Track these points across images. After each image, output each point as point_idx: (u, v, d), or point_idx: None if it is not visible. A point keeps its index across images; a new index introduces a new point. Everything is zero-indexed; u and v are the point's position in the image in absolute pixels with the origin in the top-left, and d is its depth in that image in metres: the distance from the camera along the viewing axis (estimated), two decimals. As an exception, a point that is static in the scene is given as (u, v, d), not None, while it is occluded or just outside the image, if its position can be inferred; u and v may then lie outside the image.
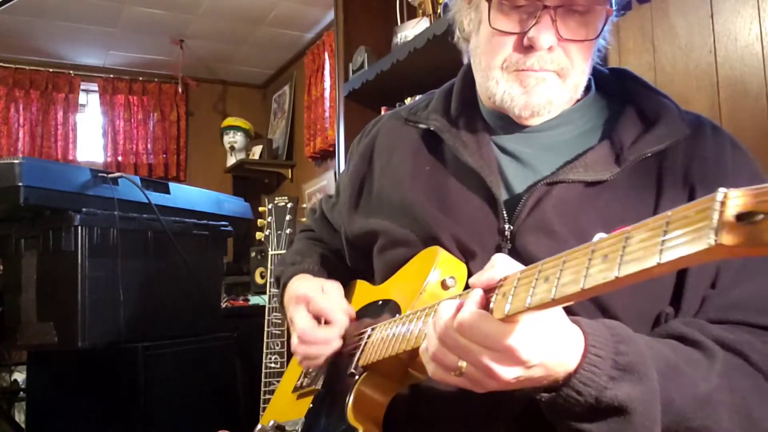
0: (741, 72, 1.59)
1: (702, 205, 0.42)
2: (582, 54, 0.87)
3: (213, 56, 4.57)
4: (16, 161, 1.83)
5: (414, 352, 0.74)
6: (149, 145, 4.74)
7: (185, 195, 2.40)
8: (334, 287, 1.02)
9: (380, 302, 0.96)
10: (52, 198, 1.90)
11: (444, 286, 0.84)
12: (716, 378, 0.72)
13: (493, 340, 0.61)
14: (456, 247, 0.88)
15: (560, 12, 0.84)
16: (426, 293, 0.85)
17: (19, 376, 2.97)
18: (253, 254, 3.39)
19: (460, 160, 0.92)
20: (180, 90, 4.69)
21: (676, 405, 0.69)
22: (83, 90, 4.68)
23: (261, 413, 1.82)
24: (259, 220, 1.93)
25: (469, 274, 0.85)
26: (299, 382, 1.07)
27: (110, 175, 2.08)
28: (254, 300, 3.22)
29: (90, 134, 4.72)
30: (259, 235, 1.92)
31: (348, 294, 1.07)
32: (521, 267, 0.63)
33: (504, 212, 0.86)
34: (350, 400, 0.85)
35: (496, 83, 0.88)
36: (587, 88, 0.94)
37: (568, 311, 0.67)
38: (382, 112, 2.41)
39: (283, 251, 1.86)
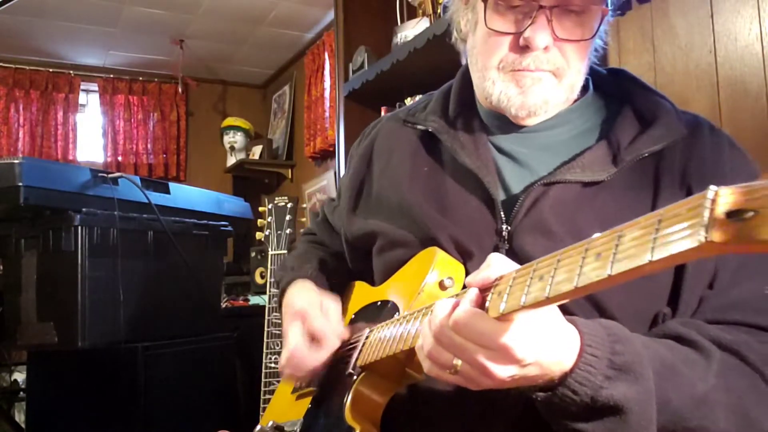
0: (741, 72, 1.59)
1: (693, 203, 0.43)
2: (578, 54, 0.87)
3: (213, 56, 4.58)
4: (16, 161, 1.83)
5: (411, 352, 0.74)
6: (149, 145, 4.74)
7: (185, 195, 2.40)
8: (332, 306, 1.01)
9: (379, 303, 0.96)
10: (52, 198, 1.90)
11: (442, 286, 0.85)
12: (713, 378, 0.72)
13: (488, 339, 0.61)
14: (454, 248, 0.88)
15: (556, 12, 0.84)
16: (424, 294, 0.85)
17: (19, 376, 2.97)
18: (253, 254, 3.39)
19: (457, 161, 0.92)
20: (180, 90, 4.69)
21: (672, 405, 0.69)
22: (83, 90, 4.69)
23: (261, 413, 1.82)
24: (259, 220, 1.93)
25: (467, 275, 0.85)
26: (299, 383, 1.07)
27: (110, 175, 2.08)
28: (254, 300, 3.22)
29: (90, 134, 4.72)
30: (259, 235, 1.92)
31: (347, 295, 1.08)
32: (517, 266, 0.64)
33: (501, 213, 0.87)
34: (348, 399, 0.85)
35: (493, 83, 0.88)
36: (585, 88, 0.94)
37: (565, 311, 0.67)
38: (382, 112, 2.42)
39: (284, 251, 1.86)
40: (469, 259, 0.87)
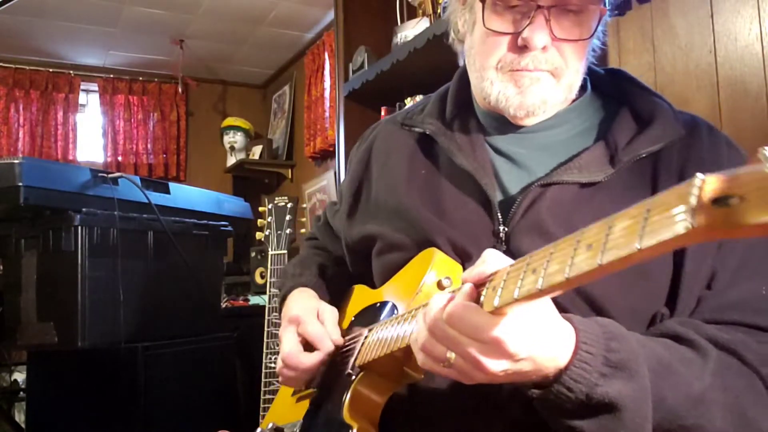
0: (741, 72, 1.59)
1: (681, 191, 0.43)
2: (576, 54, 0.87)
3: (213, 56, 4.58)
4: (16, 161, 1.84)
5: (409, 351, 0.74)
6: (149, 145, 4.74)
7: (185, 195, 2.40)
8: (329, 311, 1.01)
9: (378, 305, 0.97)
10: (52, 198, 1.91)
11: (440, 286, 0.85)
12: (709, 377, 0.73)
13: (481, 332, 0.61)
14: (452, 250, 0.88)
15: (554, 12, 0.84)
16: (422, 294, 0.85)
17: (19, 376, 2.97)
18: (253, 254, 3.39)
19: (454, 163, 0.92)
20: (180, 90, 4.69)
21: (668, 403, 0.69)
22: (83, 90, 4.69)
23: (261, 413, 1.82)
24: (259, 220, 1.93)
25: (465, 274, 0.85)
26: (297, 386, 1.07)
27: (110, 175, 2.08)
28: (254, 300, 3.22)
29: (90, 134, 4.72)
30: (259, 235, 1.92)
31: (347, 299, 1.08)
32: (512, 262, 0.64)
33: (498, 214, 0.87)
34: (347, 398, 0.85)
35: (491, 84, 0.89)
36: (583, 88, 0.94)
37: (562, 311, 0.67)
38: (382, 112, 2.42)
39: (284, 251, 1.86)
40: (467, 261, 0.87)
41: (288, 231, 1.88)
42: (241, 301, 3.22)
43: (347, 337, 0.97)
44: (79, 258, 1.90)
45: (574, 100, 0.93)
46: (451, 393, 0.82)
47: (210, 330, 2.32)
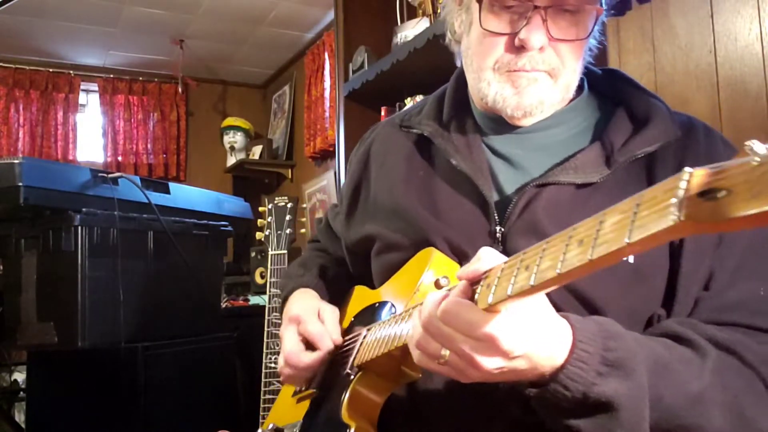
0: (741, 72, 1.59)
1: (669, 185, 0.44)
2: (573, 54, 0.87)
3: (213, 56, 4.58)
4: (16, 161, 1.84)
5: (406, 349, 0.75)
6: (149, 145, 4.74)
7: (185, 195, 2.40)
8: (329, 310, 1.02)
9: (377, 305, 0.97)
10: (52, 198, 1.91)
11: (437, 285, 0.85)
12: (708, 376, 0.72)
13: (475, 329, 0.61)
14: (449, 251, 0.88)
15: (551, 12, 0.84)
16: (420, 293, 0.85)
17: (19, 376, 2.97)
18: (253, 254, 3.39)
19: (451, 164, 0.92)
20: (180, 90, 4.69)
21: (665, 402, 0.69)
22: (83, 90, 4.69)
23: (261, 413, 1.82)
24: (259, 220, 1.93)
25: (461, 272, 0.85)
26: (298, 386, 1.07)
27: (110, 175, 2.08)
28: (254, 300, 3.22)
29: (90, 134, 4.72)
30: (259, 235, 1.92)
31: (347, 300, 1.08)
32: (506, 259, 0.64)
33: (495, 215, 0.87)
34: (345, 398, 0.86)
35: (488, 84, 0.89)
36: (580, 88, 0.94)
37: (559, 311, 0.67)
38: (382, 112, 2.42)
39: (284, 251, 1.86)
40: (464, 260, 0.87)
41: (288, 231, 1.88)
42: (241, 301, 3.22)
43: (347, 337, 0.97)
44: (79, 258, 1.90)
45: (571, 100, 0.93)
46: (449, 392, 0.83)
47: (210, 330, 2.32)
